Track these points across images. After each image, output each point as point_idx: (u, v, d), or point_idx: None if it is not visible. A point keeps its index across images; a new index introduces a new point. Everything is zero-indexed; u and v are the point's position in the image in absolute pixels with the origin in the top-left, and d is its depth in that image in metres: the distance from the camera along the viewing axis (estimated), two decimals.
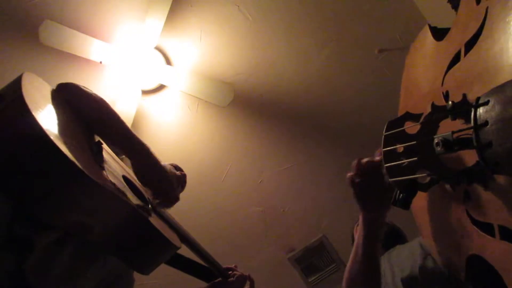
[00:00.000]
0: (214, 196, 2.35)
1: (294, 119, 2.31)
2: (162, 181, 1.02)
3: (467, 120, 0.58)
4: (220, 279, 1.34)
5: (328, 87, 2.27)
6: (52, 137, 0.73)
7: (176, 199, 1.08)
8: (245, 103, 2.25)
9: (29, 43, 1.90)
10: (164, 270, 1.29)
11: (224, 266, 1.37)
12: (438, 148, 0.61)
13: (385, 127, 0.86)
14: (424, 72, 0.87)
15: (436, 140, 0.61)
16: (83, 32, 1.84)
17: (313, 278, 2.41)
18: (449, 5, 1.49)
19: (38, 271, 0.80)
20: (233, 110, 2.24)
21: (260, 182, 2.38)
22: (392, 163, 0.79)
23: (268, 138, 2.33)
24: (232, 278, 1.35)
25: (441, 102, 0.71)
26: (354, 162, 0.94)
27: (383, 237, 0.95)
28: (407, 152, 0.76)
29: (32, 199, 0.75)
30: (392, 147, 0.81)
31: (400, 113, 0.98)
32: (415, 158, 0.72)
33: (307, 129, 2.34)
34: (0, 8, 1.88)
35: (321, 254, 2.40)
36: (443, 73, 0.72)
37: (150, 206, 1.01)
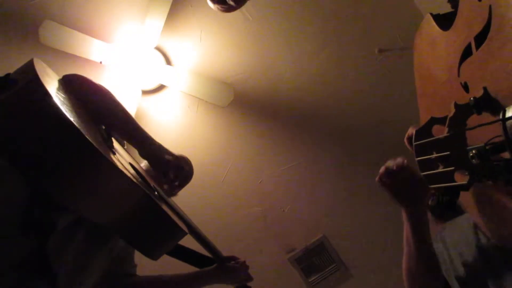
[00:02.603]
0: (214, 196, 2.35)
1: (294, 119, 2.32)
2: (173, 167, 1.07)
3: (493, 113, 0.62)
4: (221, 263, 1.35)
5: (328, 87, 2.27)
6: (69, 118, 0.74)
7: (183, 182, 1.11)
8: (245, 103, 2.25)
9: (29, 43, 1.90)
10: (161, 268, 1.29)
11: (227, 255, 1.38)
12: (474, 161, 0.64)
13: (413, 136, 0.88)
14: (435, 61, 0.89)
15: (471, 154, 0.64)
16: (83, 32, 1.84)
17: (313, 278, 2.40)
18: (449, 5, 1.49)
19: (59, 250, 0.82)
20: (233, 110, 2.24)
21: (260, 182, 2.38)
22: (429, 172, 0.81)
23: (268, 138, 2.33)
24: (235, 265, 1.36)
25: (460, 92, 0.74)
26: (381, 169, 0.97)
27: (428, 229, 0.97)
28: (442, 159, 0.78)
29: (48, 180, 0.75)
30: (425, 157, 0.83)
31: (419, 98, 1.02)
32: (452, 168, 0.74)
33: (307, 129, 2.34)
34: (0, 8, 1.88)
35: (321, 254, 2.40)
36: (457, 64, 0.75)
37: (156, 193, 1.03)
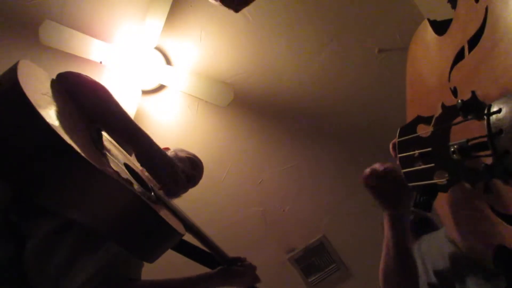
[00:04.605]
0: (214, 196, 2.35)
1: (294, 119, 2.31)
2: (166, 167, 1.01)
3: (479, 118, 0.60)
4: (226, 266, 1.33)
5: (328, 87, 2.27)
6: (50, 122, 0.72)
7: (180, 186, 1.07)
8: (245, 103, 2.25)
9: (29, 43, 1.90)
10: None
11: (233, 256, 1.36)
12: (455, 156, 0.62)
13: (397, 133, 0.87)
14: (428, 66, 0.88)
15: (452, 149, 0.63)
16: (83, 32, 1.84)
17: (313, 278, 2.40)
18: (449, 5, 1.49)
19: (37, 260, 0.79)
20: (233, 110, 2.24)
21: (260, 182, 2.38)
22: (409, 169, 0.80)
23: (268, 138, 2.33)
24: (241, 268, 1.33)
25: (449, 97, 0.72)
26: (367, 170, 0.96)
27: (410, 233, 0.97)
28: (423, 157, 0.77)
29: (32, 185, 0.73)
30: (407, 154, 0.82)
31: (408, 104, 1.00)
32: (432, 165, 0.73)
33: (307, 129, 2.34)
34: (0, 8, 1.88)
35: (321, 254, 2.40)
36: (449, 69, 0.73)
37: (153, 194, 1.01)
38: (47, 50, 1.85)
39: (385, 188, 0.94)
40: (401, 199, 0.94)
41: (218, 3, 1.56)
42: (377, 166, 0.95)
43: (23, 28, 1.91)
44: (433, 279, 0.98)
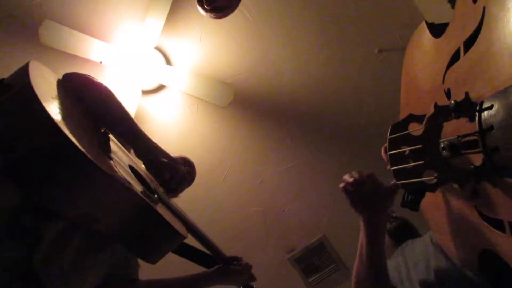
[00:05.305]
0: (214, 196, 2.35)
1: (294, 119, 2.31)
2: (168, 169, 1.01)
3: (471, 119, 0.59)
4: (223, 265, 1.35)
5: (328, 87, 2.27)
6: (60, 126, 0.72)
7: (181, 179, 1.07)
8: (245, 103, 2.25)
9: (29, 43, 1.90)
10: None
11: (230, 255, 1.38)
12: (445, 152, 0.61)
13: (389, 130, 0.86)
14: (423, 69, 0.87)
15: (442, 145, 0.62)
16: (83, 32, 1.84)
17: (313, 278, 2.41)
18: (449, 6, 1.49)
19: (48, 261, 0.80)
20: (233, 110, 2.24)
21: (260, 182, 2.38)
22: (399, 166, 0.80)
23: (268, 138, 2.33)
24: (238, 267, 1.35)
25: (443, 99, 0.71)
26: (346, 176, 0.97)
27: (384, 240, 0.97)
28: (413, 155, 0.76)
29: (40, 188, 0.74)
30: (398, 151, 0.81)
31: (402, 109, 0.99)
32: (422, 162, 0.72)
33: (307, 129, 2.34)
34: (0, 8, 1.88)
35: (321, 254, 2.40)
36: (444, 71, 0.72)
37: (156, 195, 1.01)
38: (47, 50, 1.85)
39: (363, 195, 0.94)
40: (378, 206, 0.95)
41: (208, 15, 1.56)
42: (356, 174, 0.96)
43: (23, 28, 1.91)
44: (415, 284, 0.98)
